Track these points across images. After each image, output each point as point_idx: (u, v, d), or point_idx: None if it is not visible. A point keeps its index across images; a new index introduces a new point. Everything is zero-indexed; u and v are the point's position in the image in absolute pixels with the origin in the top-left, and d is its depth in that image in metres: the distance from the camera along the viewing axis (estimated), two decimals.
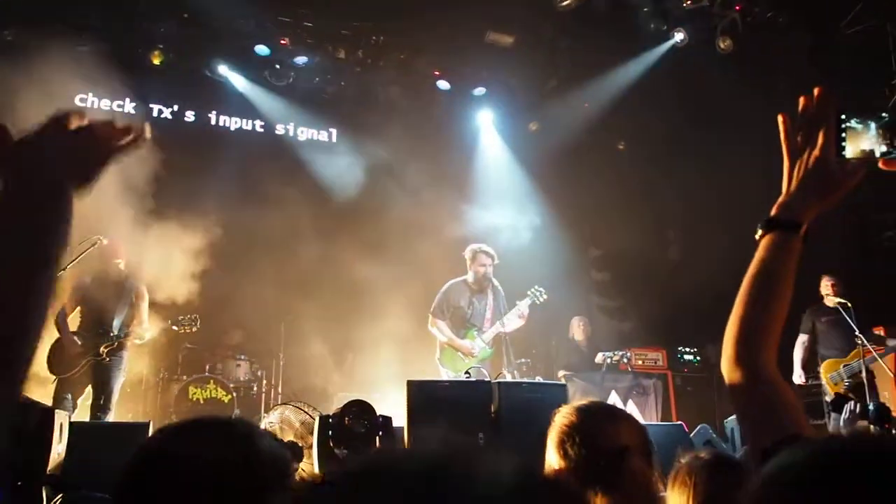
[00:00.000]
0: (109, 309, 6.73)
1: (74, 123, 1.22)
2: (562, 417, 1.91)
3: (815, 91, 1.35)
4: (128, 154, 1.26)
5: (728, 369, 1.31)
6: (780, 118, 1.40)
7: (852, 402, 4.04)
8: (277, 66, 9.87)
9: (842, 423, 3.93)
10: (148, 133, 1.28)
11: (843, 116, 1.32)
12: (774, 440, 1.13)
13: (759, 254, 1.34)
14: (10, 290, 1.06)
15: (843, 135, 1.32)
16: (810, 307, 7.87)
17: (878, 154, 1.31)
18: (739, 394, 1.28)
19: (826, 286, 7.77)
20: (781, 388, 1.27)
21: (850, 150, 1.32)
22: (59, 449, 4.71)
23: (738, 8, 8.94)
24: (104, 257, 6.76)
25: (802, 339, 7.86)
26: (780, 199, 1.38)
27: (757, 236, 1.36)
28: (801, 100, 1.36)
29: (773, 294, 1.31)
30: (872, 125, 1.32)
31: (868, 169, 1.32)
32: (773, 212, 1.37)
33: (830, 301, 7.58)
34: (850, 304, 7.19)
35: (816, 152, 1.34)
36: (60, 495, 4.34)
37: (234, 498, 1.21)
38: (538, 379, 7.84)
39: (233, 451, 1.24)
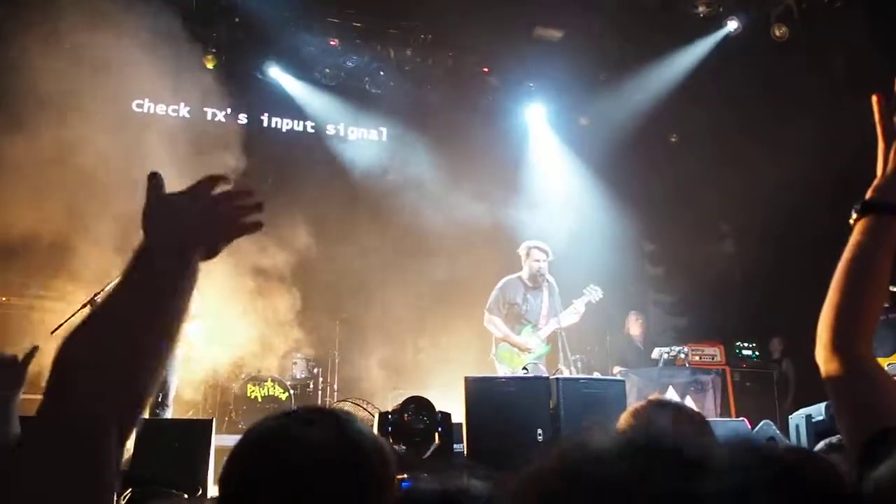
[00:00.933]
0: None
1: (219, 188, 1.28)
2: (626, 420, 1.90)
3: None
4: (248, 233, 1.31)
5: (824, 358, 1.28)
6: (874, 99, 1.37)
7: None
8: (328, 69, 9.99)
9: None
10: (260, 211, 1.32)
11: None
12: (874, 432, 1.10)
13: (854, 238, 1.32)
14: (125, 352, 1.13)
15: None
16: None
17: None
18: (836, 383, 1.25)
19: None
20: (881, 378, 1.24)
21: None
22: (126, 445, 4.82)
23: None
24: None
25: None
26: (876, 181, 1.35)
27: (851, 220, 1.33)
28: None
29: (870, 279, 1.29)
30: None
31: None
32: (868, 194, 1.34)
33: None
34: None
35: None
36: (129, 490, 4.45)
37: (340, 482, 1.23)
38: (595, 375, 7.79)
39: (338, 436, 1.26)
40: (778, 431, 6.21)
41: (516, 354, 7.32)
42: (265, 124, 10.24)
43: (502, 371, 7.25)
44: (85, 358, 1.11)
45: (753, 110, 9.34)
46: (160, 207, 1.23)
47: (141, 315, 1.15)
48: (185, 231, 1.23)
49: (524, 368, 6.87)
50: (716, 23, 9.31)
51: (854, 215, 1.33)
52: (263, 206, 1.32)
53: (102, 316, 1.19)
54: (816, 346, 1.30)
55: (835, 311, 1.27)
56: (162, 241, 1.21)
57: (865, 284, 1.28)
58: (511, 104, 10.88)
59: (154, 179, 1.24)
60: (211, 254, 1.27)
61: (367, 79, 10.30)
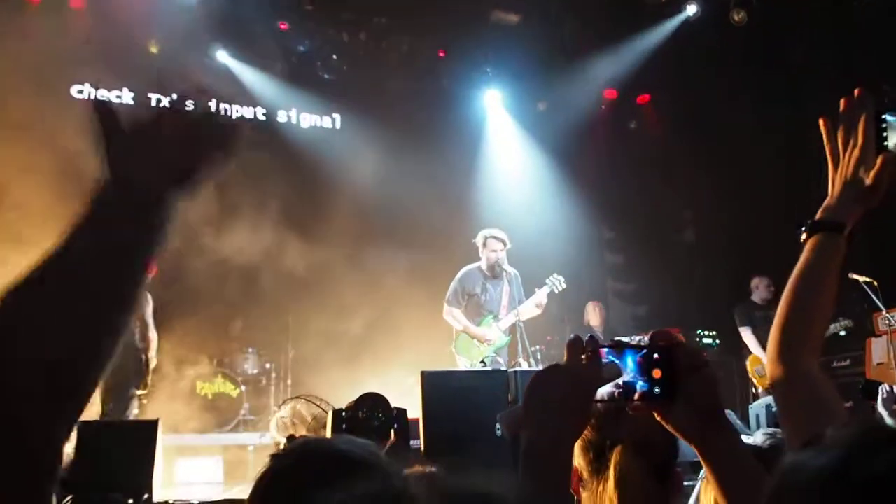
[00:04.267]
0: None
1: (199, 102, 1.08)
2: None
3: (855, 92, 1.40)
4: (226, 164, 1.09)
5: (770, 367, 1.37)
6: (820, 122, 1.43)
7: (886, 386, 3.98)
8: (278, 54, 9.81)
9: (881, 407, 3.86)
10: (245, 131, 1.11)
11: (885, 116, 1.37)
12: (810, 436, 1.14)
13: (804, 255, 1.39)
14: (88, 304, 0.93)
15: (885, 133, 1.36)
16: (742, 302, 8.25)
17: None
18: (781, 390, 1.35)
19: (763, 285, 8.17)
20: (822, 386, 1.31)
21: (892, 143, 1.37)
22: (66, 449, 4.69)
23: None
24: None
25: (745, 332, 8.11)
26: (826, 201, 1.42)
27: (801, 239, 1.40)
28: (842, 102, 1.40)
29: (818, 295, 1.37)
30: None
31: None
32: (818, 214, 1.41)
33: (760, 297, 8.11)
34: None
35: (856, 153, 1.38)
36: (69, 497, 4.31)
37: None
38: None
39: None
40: (739, 421, 6.27)
41: (476, 346, 7.33)
42: (213, 111, 9.98)
43: (462, 363, 7.28)
44: (19, 335, 0.89)
45: (712, 97, 9.40)
46: (121, 139, 1.01)
47: (99, 275, 0.94)
48: (156, 161, 1.01)
49: (482, 361, 6.88)
50: (675, 7, 9.35)
51: (804, 234, 1.40)
52: (243, 128, 1.11)
53: (45, 276, 0.92)
54: (766, 356, 1.40)
55: (783, 324, 1.36)
56: (129, 175, 0.99)
57: (813, 300, 1.37)
58: (468, 89, 10.82)
59: (104, 108, 1.03)
60: (190, 188, 1.04)
61: (319, 64, 10.15)
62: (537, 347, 8.28)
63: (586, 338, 1.23)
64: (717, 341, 9.26)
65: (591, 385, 1.21)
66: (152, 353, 6.99)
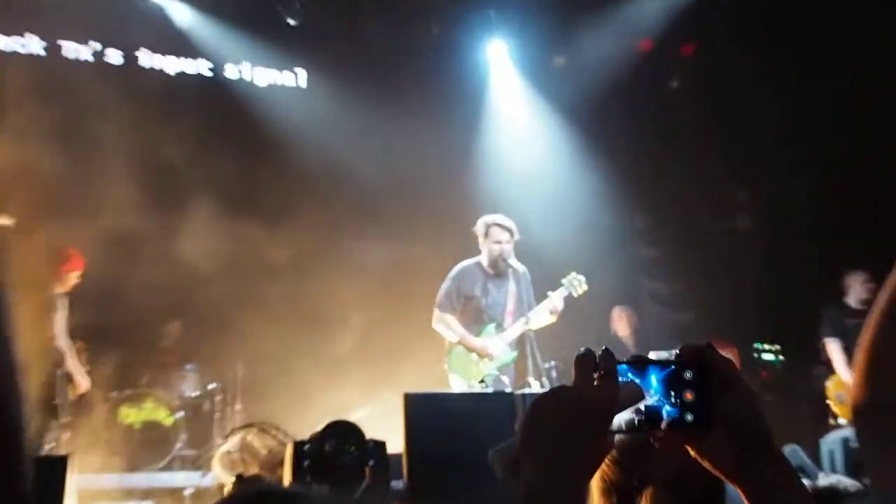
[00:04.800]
0: None
1: None
2: None
3: None
4: None
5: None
6: None
7: None
8: None
9: None
10: None
11: None
12: None
13: None
14: None
15: None
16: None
17: None
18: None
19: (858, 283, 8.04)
20: None
21: None
22: None
23: None
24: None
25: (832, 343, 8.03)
26: None
27: None
28: None
29: None
30: None
31: None
32: None
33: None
34: None
35: None
36: None
37: None
38: None
39: None
40: (808, 459, 6.25)
41: (474, 362, 7.35)
42: (145, 64, 9.96)
43: (456, 384, 7.32)
44: None
45: (775, 48, 9.36)
46: None
47: None
48: None
49: (481, 381, 6.92)
50: None
51: None
52: None
53: None
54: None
55: (873, 338, 1.36)
56: None
57: None
58: (466, 39, 10.79)
59: None
60: None
61: (279, 7, 10.08)
62: (552, 364, 8.20)
63: (600, 351, 1.20)
64: (782, 357, 9.24)
65: (604, 411, 1.18)
66: (71, 366, 7.04)
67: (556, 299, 7.45)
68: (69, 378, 7.09)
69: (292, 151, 9.88)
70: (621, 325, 9.33)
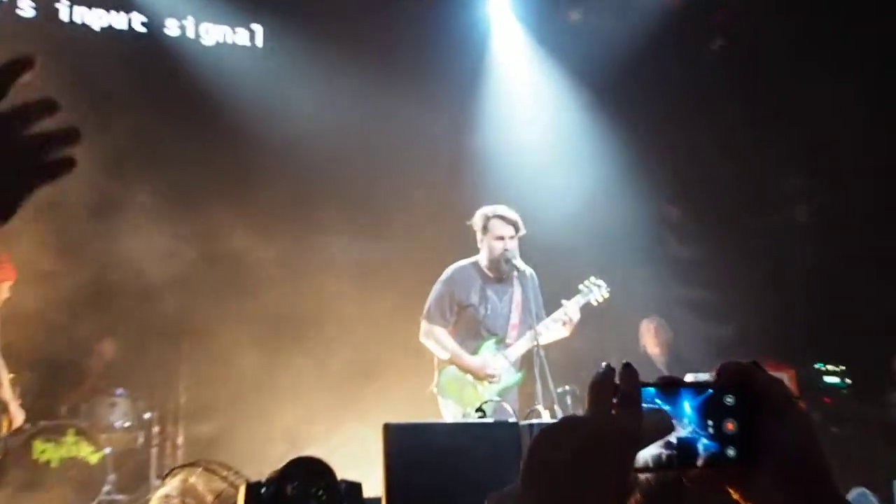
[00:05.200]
0: None
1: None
2: None
3: None
4: (56, 178, 1.39)
5: None
6: None
7: None
8: None
9: None
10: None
11: None
12: None
13: None
14: None
15: None
16: None
17: None
18: None
19: None
20: None
21: None
22: None
23: None
24: None
25: None
26: None
27: None
28: None
29: None
30: None
31: None
32: None
33: None
34: None
35: None
36: None
37: None
38: None
39: None
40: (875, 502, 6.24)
41: (470, 386, 7.37)
42: (66, 17, 9.91)
43: (448, 412, 7.33)
44: None
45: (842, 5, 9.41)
46: None
47: None
48: None
49: (479, 410, 6.71)
50: None
51: None
52: (79, 131, 1.36)
53: None
54: None
55: None
56: None
57: None
58: None
59: None
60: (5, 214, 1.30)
61: None
62: (565, 388, 8.33)
63: (619, 372, 1.19)
64: (848, 380, 9.22)
65: (625, 445, 1.17)
66: (6, 395, 7.23)
67: (571, 309, 7.46)
68: (3, 408, 7.21)
69: (246, 127, 9.84)
70: (650, 340, 9.38)
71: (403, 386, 8.18)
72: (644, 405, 1.18)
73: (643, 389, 1.19)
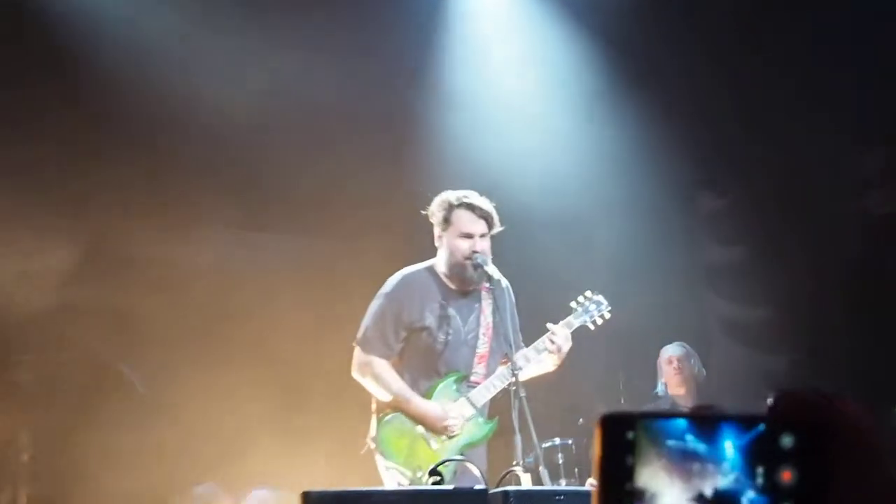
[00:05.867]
0: None
1: None
2: None
3: None
4: None
5: None
6: None
7: None
8: None
9: None
10: None
11: None
12: None
13: None
14: None
15: None
16: None
17: None
18: None
19: None
20: None
21: None
22: None
23: None
24: None
25: None
26: None
27: None
28: None
29: None
30: None
31: None
32: None
33: None
34: None
35: None
36: None
37: None
38: (591, 484, 7.77)
39: None
40: None
41: (422, 440, 7.35)
42: None
43: (390, 476, 7.29)
44: None
45: None
46: None
47: None
48: None
49: (434, 473, 6.70)
50: None
51: None
52: None
53: None
54: None
55: None
56: None
57: None
58: None
59: None
60: None
61: None
62: (555, 442, 8.45)
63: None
64: None
65: None
66: None
67: (559, 333, 7.40)
68: None
69: (134, 89, 9.89)
70: (672, 376, 9.45)
71: (331, 437, 8.26)
72: (675, 444, 1.25)
73: (670, 423, 1.24)
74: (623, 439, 1.24)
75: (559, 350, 7.36)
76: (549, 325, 7.45)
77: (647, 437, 1.34)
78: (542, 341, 7.38)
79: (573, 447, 8.72)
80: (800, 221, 10.62)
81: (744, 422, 1.24)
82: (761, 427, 1.23)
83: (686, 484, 1.29)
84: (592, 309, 7.56)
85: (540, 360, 7.40)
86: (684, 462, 1.29)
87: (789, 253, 10.63)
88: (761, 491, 1.22)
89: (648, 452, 1.33)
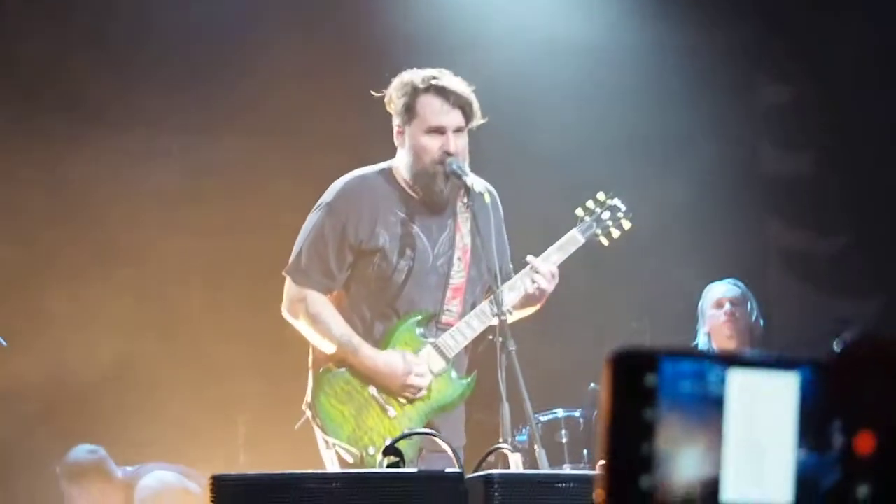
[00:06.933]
0: None
1: None
2: None
3: None
4: None
5: None
6: None
7: None
8: None
9: None
10: None
11: None
12: None
13: None
14: None
15: None
16: None
17: None
18: None
19: None
20: None
21: None
22: None
23: None
24: None
25: None
26: None
27: None
28: None
29: None
30: None
31: None
32: None
33: None
34: None
35: None
36: None
37: None
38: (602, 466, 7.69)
39: None
40: None
41: (375, 404, 7.28)
42: None
43: (330, 455, 7.27)
44: None
45: None
46: None
47: None
48: None
49: (391, 451, 6.44)
50: None
51: None
52: None
53: None
54: None
55: None
56: None
57: None
58: None
59: None
60: None
61: None
62: (557, 414, 8.49)
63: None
64: None
65: None
66: None
67: (545, 271, 7.26)
68: None
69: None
70: (723, 324, 9.57)
71: (253, 400, 8.42)
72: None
73: (704, 364, 1.35)
74: (641, 386, 1.30)
75: (551, 276, 7.28)
76: (529, 259, 7.28)
77: (673, 383, 1.42)
78: (521, 279, 7.27)
79: (580, 421, 8.59)
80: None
81: (804, 368, 1.29)
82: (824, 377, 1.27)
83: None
84: (606, 217, 7.45)
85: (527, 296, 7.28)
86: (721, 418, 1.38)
87: (869, 160, 10.53)
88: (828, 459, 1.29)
89: (674, 404, 1.42)
